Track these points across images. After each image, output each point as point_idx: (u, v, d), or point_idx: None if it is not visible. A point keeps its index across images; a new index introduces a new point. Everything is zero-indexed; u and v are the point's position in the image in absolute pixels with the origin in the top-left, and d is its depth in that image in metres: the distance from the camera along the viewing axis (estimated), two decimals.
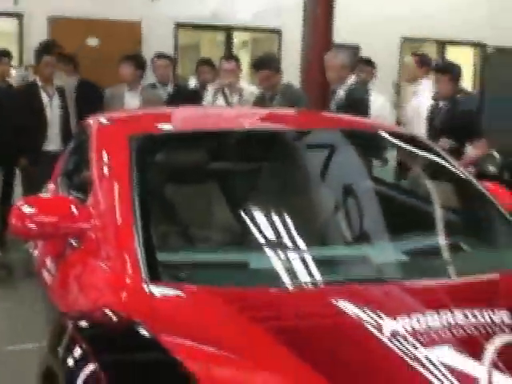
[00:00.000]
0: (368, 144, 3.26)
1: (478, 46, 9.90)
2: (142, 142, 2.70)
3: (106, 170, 2.62)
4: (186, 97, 6.83)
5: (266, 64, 5.93)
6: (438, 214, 2.91)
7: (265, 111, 4.22)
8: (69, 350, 1.88)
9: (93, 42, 7.86)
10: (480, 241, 2.86)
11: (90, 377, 1.76)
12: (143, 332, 1.91)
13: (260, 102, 5.97)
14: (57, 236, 2.57)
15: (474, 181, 3.10)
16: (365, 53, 7.87)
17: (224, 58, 7.21)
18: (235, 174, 3.05)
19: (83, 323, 1.99)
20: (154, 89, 6.86)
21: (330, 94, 5.81)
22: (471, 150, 5.31)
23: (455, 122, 5.43)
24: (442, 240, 2.72)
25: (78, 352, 1.85)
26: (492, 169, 6.46)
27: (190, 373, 1.73)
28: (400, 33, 9.41)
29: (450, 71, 5.66)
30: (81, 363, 1.81)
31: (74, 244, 2.59)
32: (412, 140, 3.28)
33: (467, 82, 10.08)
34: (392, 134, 3.29)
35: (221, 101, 6.66)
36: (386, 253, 2.63)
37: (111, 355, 1.84)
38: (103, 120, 3.18)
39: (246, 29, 9.14)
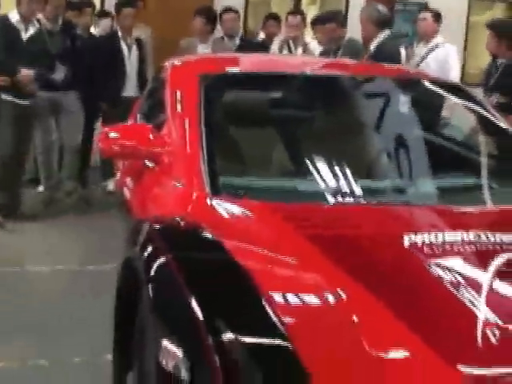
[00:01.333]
0: (415, 91, 3.60)
1: None
2: (211, 80, 3.12)
3: (178, 104, 3.05)
4: (253, 49, 7.18)
5: (332, 18, 6.24)
6: (475, 158, 3.25)
7: (326, 60, 4.58)
8: (146, 244, 2.33)
9: None
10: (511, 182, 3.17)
11: (164, 265, 2.19)
12: (208, 234, 2.34)
13: (324, 55, 6.31)
14: (135, 157, 3.03)
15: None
16: None
17: (290, 12, 7.54)
18: (292, 114, 3.44)
19: (158, 224, 2.43)
20: (222, 41, 7.23)
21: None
22: None
23: (510, 80, 5.60)
24: (474, 179, 3.06)
25: (154, 245, 2.29)
26: None
27: (246, 270, 2.13)
28: None
29: (493, 28, 5.81)
30: (156, 254, 2.24)
31: (150, 165, 3.04)
32: (457, 89, 3.60)
33: None
34: (437, 83, 3.61)
35: (286, 53, 7.01)
36: (421, 185, 2.98)
37: (182, 249, 2.27)
38: (177, 62, 3.61)
39: None
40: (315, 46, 7.04)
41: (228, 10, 7.39)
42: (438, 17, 6.63)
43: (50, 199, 6.27)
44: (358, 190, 2.74)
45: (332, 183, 2.75)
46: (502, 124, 3.41)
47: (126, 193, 3.36)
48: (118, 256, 2.57)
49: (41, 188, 6.48)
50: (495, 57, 5.94)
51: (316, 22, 6.84)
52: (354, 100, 3.52)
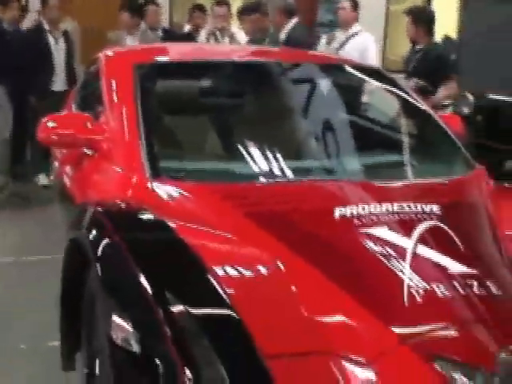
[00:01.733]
0: (339, 76, 3.80)
1: None
2: (145, 69, 3.25)
3: (115, 93, 3.16)
4: (177, 40, 7.29)
5: (257, 8, 6.42)
6: (396, 137, 3.47)
7: (254, 47, 4.76)
8: (91, 226, 2.43)
9: None
10: (430, 158, 3.41)
11: (111, 245, 2.29)
12: (151, 215, 2.47)
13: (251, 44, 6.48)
14: (74, 145, 3.14)
15: (430, 111, 3.65)
16: None
17: (216, 3, 7.66)
18: (224, 100, 3.60)
19: (102, 207, 2.54)
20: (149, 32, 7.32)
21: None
22: (441, 91, 5.80)
23: (428, 64, 5.90)
24: (396, 157, 3.29)
25: (99, 227, 2.40)
26: (465, 110, 7.01)
27: (190, 246, 2.26)
28: None
29: (411, 14, 6.10)
30: (103, 235, 2.35)
31: (89, 153, 3.14)
32: (378, 73, 3.83)
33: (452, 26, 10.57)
34: (359, 68, 3.84)
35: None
36: (347, 164, 3.19)
37: (127, 229, 2.39)
38: (111, 53, 3.71)
39: None
40: (242, 36, 7.20)
41: (149, 2, 7.47)
42: (355, 5, 6.88)
43: None
44: (289, 170, 2.92)
45: (264, 164, 2.91)
46: (420, 105, 3.65)
47: (66, 181, 3.45)
48: (60, 246, 2.67)
49: None
50: (414, 43, 6.23)
51: (242, 13, 6.99)
52: (281, 85, 3.70)
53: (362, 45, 6.60)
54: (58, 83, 6.78)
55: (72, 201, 3.21)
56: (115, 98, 3.14)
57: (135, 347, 2.04)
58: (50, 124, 3.09)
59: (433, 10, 6.58)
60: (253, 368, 1.96)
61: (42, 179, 6.87)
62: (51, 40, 6.71)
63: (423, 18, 6.00)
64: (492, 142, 6.61)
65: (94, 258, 2.28)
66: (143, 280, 2.09)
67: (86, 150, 3.17)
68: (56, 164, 3.83)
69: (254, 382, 1.94)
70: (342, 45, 6.69)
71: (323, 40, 7.32)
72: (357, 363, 2.05)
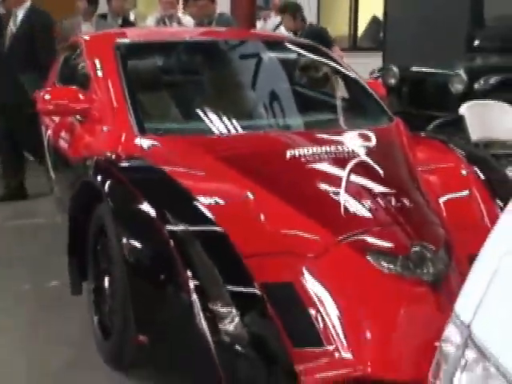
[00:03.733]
0: (280, 49, 4.56)
1: None
2: (125, 48, 3.94)
3: (100, 69, 3.82)
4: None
5: None
6: (330, 98, 4.24)
7: (207, 29, 5.52)
8: (97, 172, 3.12)
9: None
10: (358, 113, 4.18)
11: (117, 183, 2.97)
12: (143, 161, 3.17)
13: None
14: (68, 113, 3.80)
15: (358, 77, 4.42)
16: None
17: None
18: (190, 71, 4.32)
19: (103, 157, 3.22)
20: (104, 20, 7.86)
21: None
22: None
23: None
24: (331, 113, 4.06)
25: (104, 171, 3.08)
26: (392, 81, 7.83)
27: (178, 182, 2.97)
28: None
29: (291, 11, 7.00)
30: (109, 176, 3.03)
31: (81, 120, 3.81)
32: (311, 47, 4.60)
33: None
34: (299, 43, 4.61)
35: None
36: (293, 119, 3.94)
37: (128, 170, 3.09)
38: (92, 35, 4.39)
39: None
40: (188, 21, 7.84)
41: None
42: None
43: None
44: (247, 125, 3.67)
45: (227, 121, 3.62)
46: (350, 73, 4.40)
47: (62, 144, 4.11)
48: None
49: None
50: (296, 32, 7.11)
51: None
52: (235, 59, 4.46)
53: None
54: None
55: (69, 159, 3.88)
56: (101, 73, 3.81)
57: (146, 260, 2.74)
58: (47, 96, 3.74)
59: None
60: (235, 264, 2.68)
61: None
62: (10, 27, 7.19)
63: (298, 11, 6.87)
64: (415, 109, 7.39)
65: (105, 194, 2.95)
66: (148, 207, 2.78)
67: (77, 117, 3.83)
68: (49, 132, 4.47)
69: (238, 273, 2.66)
70: (277, 27, 7.45)
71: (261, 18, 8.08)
72: (308, 258, 2.80)
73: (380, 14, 11.54)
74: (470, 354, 1.25)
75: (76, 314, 3.56)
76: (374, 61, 9.02)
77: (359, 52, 10.31)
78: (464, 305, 1.39)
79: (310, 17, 9.82)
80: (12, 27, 5.81)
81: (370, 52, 10.59)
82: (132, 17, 9.15)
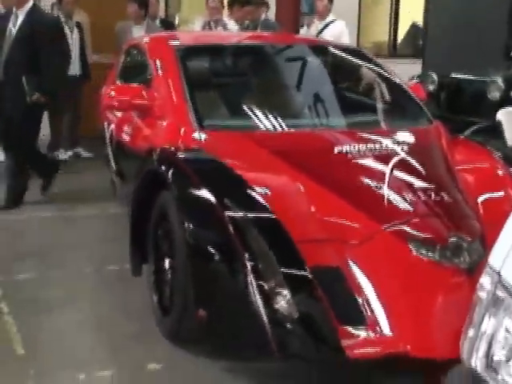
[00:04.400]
0: (326, 54, 4.82)
1: None
2: (184, 50, 4.25)
3: (162, 68, 4.14)
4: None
5: (251, 1, 7.39)
6: (371, 101, 4.50)
7: (256, 34, 5.82)
8: (161, 162, 3.41)
9: None
10: (400, 115, 4.43)
11: (180, 172, 3.25)
12: (203, 152, 3.46)
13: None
14: (131, 109, 4.11)
15: (400, 81, 4.66)
16: None
17: None
18: (243, 71, 4.63)
19: (167, 148, 3.52)
20: (154, 23, 8.21)
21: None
22: None
23: None
24: (376, 114, 4.31)
25: (169, 160, 3.38)
26: (431, 87, 8.03)
27: (235, 171, 3.26)
28: None
29: None
30: (173, 165, 3.32)
31: (144, 115, 4.12)
32: (357, 52, 4.85)
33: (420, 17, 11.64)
34: (344, 48, 4.87)
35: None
36: (342, 119, 4.20)
37: (191, 160, 3.38)
38: (152, 38, 4.70)
39: None
40: (232, 26, 8.14)
41: None
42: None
43: None
44: (298, 123, 3.94)
45: (279, 119, 3.90)
46: (392, 77, 4.66)
47: (125, 138, 4.43)
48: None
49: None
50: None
51: (234, 4, 7.97)
52: (285, 62, 4.76)
53: (337, 31, 7.63)
54: (73, 69, 7.67)
55: (132, 151, 4.19)
56: (162, 72, 4.11)
57: (207, 243, 3.00)
58: (112, 93, 4.05)
59: None
60: (288, 248, 2.94)
61: (61, 154, 7.79)
62: (67, 31, 7.58)
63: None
64: (453, 114, 7.58)
65: (169, 182, 3.24)
66: (208, 194, 3.06)
67: (140, 113, 4.14)
68: (112, 127, 4.79)
69: (290, 257, 2.92)
70: (320, 32, 7.70)
71: (304, 24, 8.36)
72: (354, 245, 3.05)
73: (419, 22, 11.78)
74: (500, 294, 1.52)
75: (136, 294, 3.85)
76: (413, 67, 9.23)
77: (399, 59, 10.51)
78: (495, 256, 1.68)
79: (351, 23, 10.05)
80: (12, 28, 5.60)
81: (409, 59, 10.80)
82: (176, 20, 9.53)
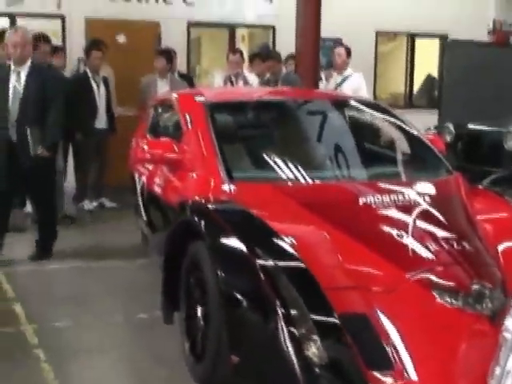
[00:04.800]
0: (346, 108, 5.01)
1: (442, 37, 11.64)
2: (213, 106, 4.46)
3: (191, 123, 4.34)
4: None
5: (272, 56, 7.65)
6: (392, 153, 4.66)
7: (280, 89, 6.02)
8: (194, 212, 3.58)
9: (121, 38, 9.47)
10: (421, 166, 4.58)
11: (213, 221, 3.41)
12: (234, 203, 3.62)
13: (266, 86, 7.71)
14: (164, 162, 4.30)
15: (419, 134, 4.84)
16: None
17: (230, 51, 8.87)
18: (270, 126, 4.82)
19: (199, 200, 3.69)
20: (178, 78, 8.50)
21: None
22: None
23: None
24: (397, 165, 4.48)
25: (201, 211, 3.55)
26: (448, 138, 8.20)
27: (264, 221, 3.41)
28: (375, 27, 11.13)
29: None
30: (205, 216, 3.48)
31: (175, 167, 4.30)
32: (377, 106, 5.04)
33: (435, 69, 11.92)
34: (364, 102, 5.05)
35: (228, 87, 8.28)
36: (367, 171, 4.35)
37: (222, 211, 3.54)
38: (181, 94, 4.93)
39: (246, 26, 10.85)
40: (253, 79, 8.39)
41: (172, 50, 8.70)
42: (349, 52, 8.14)
43: None
44: (322, 175, 4.11)
45: (305, 171, 4.07)
46: (411, 129, 4.83)
47: (156, 189, 4.61)
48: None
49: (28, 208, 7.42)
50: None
51: (255, 59, 8.24)
52: (309, 116, 4.94)
53: (355, 84, 7.85)
54: (100, 122, 7.93)
55: (164, 203, 4.37)
56: (193, 127, 4.31)
57: (239, 290, 3.12)
58: (144, 147, 4.25)
59: None
60: (317, 295, 3.06)
61: (87, 205, 7.99)
62: (94, 85, 7.86)
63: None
64: (470, 164, 7.72)
65: (202, 231, 3.40)
66: (240, 243, 3.21)
67: (171, 165, 4.33)
68: (143, 179, 4.99)
69: (320, 304, 3.04)
70: (339, 85, 7.92)
71: (323, 77, 8.59)
72: (380, 292, 3.18)
73: (434, 74, 12.04)
74: None
75: (165, 341, 3.98)
76: (429, 118, 9.43)
77: (414, 109, 10.73)
78: None
79: (367, 75, 10.28)
80: (16, 85, 5.53)
81: (425, 109, 11.02)
82: (197, 72, 9.87)
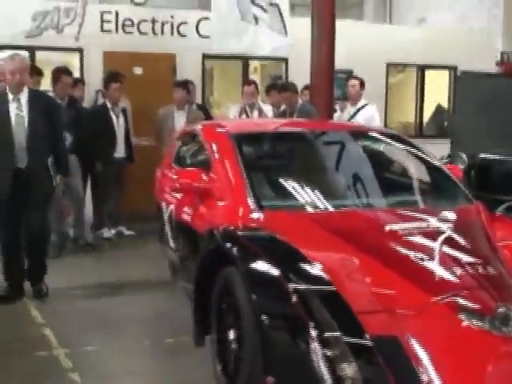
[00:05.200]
0: (366, 138, 5.17)
1: (451, 69, 11.86)
2: (238, 136, 4.63)
3: (218, 153, 4.50)
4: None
5: (288, 88, 7.83)
6: (412, 182, 4.81)
7: (301, 120, 6.19)
8: (225, 239, 3.70)
9: (138, 70, 9.68)
10: (443, 195, 4.72)
11: (245, 248, 3.53)
12: (264, 230, 3.76)
13: (282, 116, 7.89)
14: (193, 191, 4.44)
15: (439, 163, 4.98)
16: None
17: (245, 82, 9.06)
18: (291, 155, 4.98)
19: (227, 228, 3.82)
20: (196, 109, 8.68)
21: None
22: None
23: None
24: (420, 194, 4.61)
25: (232, 238, 3.67)
26: (461, 167, 8.33)
27: (295, 247, 3.54)
28: (385, 59, 11.35)
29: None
30: (237, 243, 3.61)
31: (204, 196, 4.44)
32: (394, 136, 5.20)
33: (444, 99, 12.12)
34: (382, 133, 5.21)
35: (244, 117, 8.45)
36: (391, 199, 4.49)
37: (252, 238, 3.66)
38: (206, 126, 5.10)
39: (261, 58, 11.07)
40: (268, 109, 8.56)
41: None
42: (363, 83, 8.32)
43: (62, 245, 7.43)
44: (348, 203, 4.25)
45: (332, 199, 4.22)
46: (431, 159, 4.97)
47: (185, 217, 4.75)
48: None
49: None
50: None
51: (271, 90, 8.43)
52: (330, 147, 5.08)
53: (368, 115, 8.03)
54: (119, 152, 8.10)
55: (193, 229, 4.50)
56: (220, 157, 4.47)
57: (274, 313, 3.23)
58: (173, 176, 4.39)
59: None
60: (349, 318, 3.18)
61: (106, 233, 8.13)
62: (113, 116, 8.04)
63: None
64: (483, 193, 7.83)
65: (235, 258, 3.52)
66: (272, 268, 3.33)
67: (200, 194, 4.47)
68: (171, 208, 5.13)
69: (352, 326, 3.15)
70: (353, 116, 8.10)
71: (337, 108, 8.78)
72: (409, 315, 3.29)
73: (443, 103, 12.23)
74: None
75: (193, 364, 4.09)
76: (439, 147, 9.57)
77: (425, 139, 10.89)
78: None
79: (379, 105, 10.44)
80: (18, 113, 5.48)
81: (435, 139, 11.18)
82: (210, 102, 10.10)
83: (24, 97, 5.54)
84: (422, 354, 3.15)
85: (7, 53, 5.59)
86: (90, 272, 6.31)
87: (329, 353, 3.02)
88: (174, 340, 4.60)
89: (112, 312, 5.31)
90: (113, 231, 8.25)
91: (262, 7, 10.21)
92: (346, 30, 9.31)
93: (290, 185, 4.43)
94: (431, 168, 4.96)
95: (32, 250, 5.74)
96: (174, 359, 4.32)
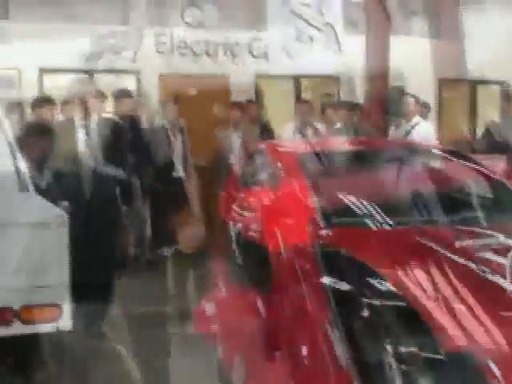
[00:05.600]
0: (427, 156, 5.23)
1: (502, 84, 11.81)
2: (304, 155, 4.72)
3: (288, 172, 4.61)
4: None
5: (344, 105, 7.94)
6: (472, 198, 4.84)
7: (359, 139, 6.30)
8: (296, 256, 3.79)
9: (193, 92, 9.89)
10: (505, 210, 4.74)
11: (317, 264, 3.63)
12: (337, 248, 3.84)
13: (337, 135, 7.99)
14: (261, 209, 4.56)
15: (502, 178, 5.01)
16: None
17: (299, 101, 9.18)
18: (355, 172, 5.07)
19: (299, 245, 3.91)
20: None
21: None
22: None
23: None
24: (474, 212, 4.64)
25: (303, 254, 3.76)
26: None
27: (366, 262, 3.61)
28: (437, 74, 11.37)
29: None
30: (301, 255, 3.70)
31: (272, 214, 4.55)
32: (454, 152, 5.26)
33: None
34: (441, 149, 5.29)
35: (298, 136, 8.55)
36: (462, 217, 4.52)
37: (324, 254, 3.75)
38: (274, 144, 5.25)
39: (313, 77, 11.19)
40: (323, 128, 8.64)
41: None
42: (417, 100, 8.37)
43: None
44: (416, 220, 4.32)
45: (405, 216, 4.33)
46: (493, 174, 5.01)
47: (254, 235, 4.86)
48: None
49: None
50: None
51: (326, 108, 8.54)
52: (394, 164, 5.16)
53: (423, 132, 8.06)
54: (177, 171, 8.27)
55: (262, 247, 4.60)
56: (288, 176, 4.58)
57: (351, 329, 3.28)
58: (242, 195, 4.52)
59: None
60: (424, 333, 3.20)
61: (166, 251, 8.28)
62: (171, 136, 8.23)
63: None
64: None
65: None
66: (344, 284, 3.41)
67: (268, 212, 4.58)
68: (239, 226, 5.25)
69: (427, 341, 3.17)
70: (408, 133, 8.14)
71: (392, 127, 8.83)
72: (481, 330, 3.32)
73: (495, 119, 12.14)
74: None
75: None
76: (492, 163, 9.51)
77: (478, 155, 10.83)
78: None
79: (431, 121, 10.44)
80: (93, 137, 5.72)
81: (489, 155, 11.09)
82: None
83: (93, 122, 5.82)
84: (496, 370, 3.17)
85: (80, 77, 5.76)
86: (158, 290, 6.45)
87: (405, 368, 3.07)
88: None
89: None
90: (171, 249, 8.39)
91: (317, 27, 10.36)
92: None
93: (357, 202, 4.49)
94: (496, 184, 4.99)
95: None
96: None
